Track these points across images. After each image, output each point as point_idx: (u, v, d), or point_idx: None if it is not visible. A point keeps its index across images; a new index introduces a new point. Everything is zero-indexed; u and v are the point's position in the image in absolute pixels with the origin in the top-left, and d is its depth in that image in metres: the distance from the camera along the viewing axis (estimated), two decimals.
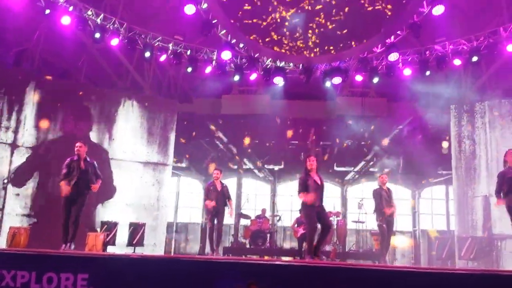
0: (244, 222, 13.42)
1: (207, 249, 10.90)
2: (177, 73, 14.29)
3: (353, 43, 11.24)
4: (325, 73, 12.18)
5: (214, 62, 12.20)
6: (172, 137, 13.14)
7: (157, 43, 11.77)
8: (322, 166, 12.06)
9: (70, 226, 7.40)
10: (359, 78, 12.49)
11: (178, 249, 15.77)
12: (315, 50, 11.35)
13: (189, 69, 12.11)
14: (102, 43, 11.37)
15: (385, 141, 14.61)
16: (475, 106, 12.12)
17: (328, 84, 12.31)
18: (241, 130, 15.13)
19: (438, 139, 13.75)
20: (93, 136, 12.18)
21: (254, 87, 14.09)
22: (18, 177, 11.14)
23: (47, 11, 10.10)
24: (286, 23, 10.70)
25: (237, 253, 11.70)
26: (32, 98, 11.54)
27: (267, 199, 16.23)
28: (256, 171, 16.42)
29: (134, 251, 10.81)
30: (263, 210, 13.10)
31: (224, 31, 11.43)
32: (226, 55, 11.57)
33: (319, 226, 7.09)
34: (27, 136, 11.40)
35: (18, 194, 11.07)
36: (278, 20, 10.68)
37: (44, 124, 11.64)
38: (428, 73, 11.46)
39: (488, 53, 10.85)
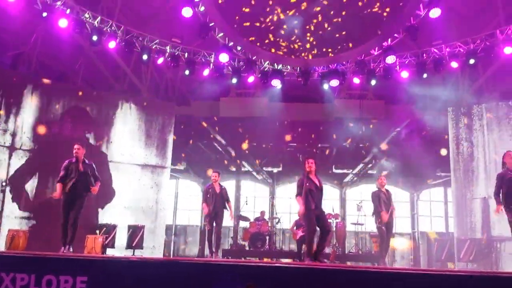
0: (243, 224, 13.41)
1: (206, 251, 10.89)
2: (174, 76, 14.27)
3: (350, 45, 11.26)
4: (323, 76, 12.21)
5: (211, 65, 12.21)
6: (170, 139, 13.13)
7: (155, 45, 11.76)
8: (321, 169, 12.08)
9: (69, 229, 7.39)
10: (356, 80, 12.51)
11: (177, 251, 15.77)
12: (313, 52, 11.36)
13: (187, 72, 12.10)
14: (99, 45, 11.37)
15: (383, 146, 14.65)
16: (472, 108, 12.16)
17: (326, 86, 12.33)
18: (239, 132, 15.14)
19: (436, 141, 13.78)
20: (91, 138, 12.17)
21: (252, 90, 14.08)
22: (17, 179, 11.11)
23: (44, 14, 10.08)
24: (284, 25, 10.69)
25: (236, 255, 11.68)
26: (29, 101, 11.52)
27: (266, 201, 16.25)
28: (254, 173, 16.44)
29: (133, 253, 10.80)
30: (262, 213, 13.12)
31: (222, 33, 11.45)
32: (224, 57, 11.59)
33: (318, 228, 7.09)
34: (25, 139, 11.38)
35: (17, 196, 11.04)
36: (276, 22, 10.68)
37: (42, 127, 11.63)
38: (425, 75, 11.50)
39: (485, 56, 10.89)
